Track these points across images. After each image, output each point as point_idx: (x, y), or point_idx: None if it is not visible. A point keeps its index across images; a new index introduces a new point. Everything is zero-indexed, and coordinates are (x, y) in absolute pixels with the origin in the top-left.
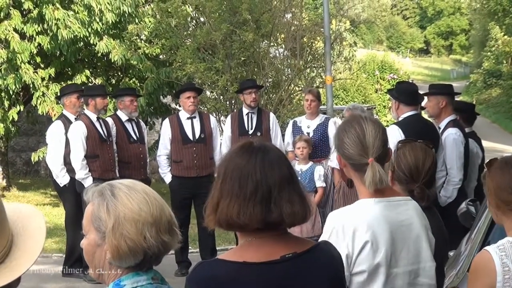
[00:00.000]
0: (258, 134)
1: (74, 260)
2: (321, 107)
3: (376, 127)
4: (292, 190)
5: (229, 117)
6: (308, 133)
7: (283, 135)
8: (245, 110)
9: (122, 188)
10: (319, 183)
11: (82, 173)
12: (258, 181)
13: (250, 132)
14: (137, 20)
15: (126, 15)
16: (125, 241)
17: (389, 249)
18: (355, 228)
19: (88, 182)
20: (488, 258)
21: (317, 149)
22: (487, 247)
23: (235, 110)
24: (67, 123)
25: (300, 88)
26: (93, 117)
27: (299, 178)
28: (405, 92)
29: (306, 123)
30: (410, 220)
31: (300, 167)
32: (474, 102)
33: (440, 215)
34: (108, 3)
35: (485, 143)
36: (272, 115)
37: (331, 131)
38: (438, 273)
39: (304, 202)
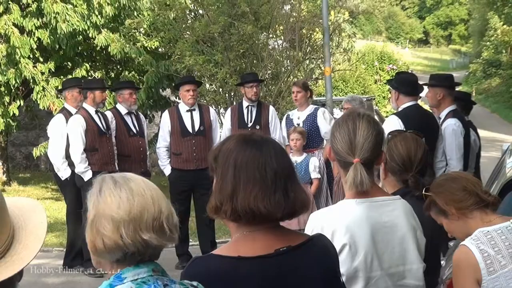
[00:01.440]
0: (257, 127)
1: (75, 254)
2: (320, 98)
3: (370, 128)
4: (297, 179)
5: (229, 109)
6: (299, 124)
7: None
8: (245, 103)
9: (110, 184)
10: (314, 175)
11: (82, 167)
12: (276, 169)
13: (250, 125)
14: (135, 13)
15: (126, 8)
16: (101, 237)
17: (369, 252)
18: (334, 230)
19: (87, 175)
20: (466, 251)
21: (308, 139)
22: (463, 242)
23: (234, 103)
24: (68, 116)
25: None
26: (91, 110)
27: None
28: (404, 83)
29: (297, 115)
30: (394, 221)
31: (294, 158)
32: (473, 92)
33: None
34: None
35: (485, 133)
36: (271, 108)
37: (320, 121)
38: (435, 266)
39: (306, 191)
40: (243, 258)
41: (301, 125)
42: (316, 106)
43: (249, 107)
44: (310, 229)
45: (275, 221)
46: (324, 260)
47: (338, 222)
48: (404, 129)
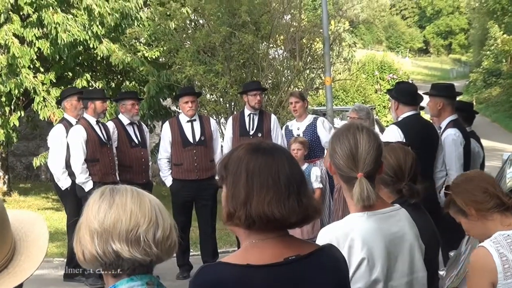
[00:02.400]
0: (259, 135)
1: (75, 264)
2: (320, 108)
3: (371, 141)
4: (308, 185)
5: (230, 118)
6: (299, 135)
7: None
8: (247, 111)
9: (97, 195)
10: (316, 184)
11: (83, 177)
12: (288, 175)
13: (251, 133)
14: (136, 23)
15: (127, 17)
16: (81, 248)
17: (385, 264)
18: (350, 245)
19: (88, 186)
20: (485, 252)
21: (310, 150)
22: (482, 243)
23: (235, 112)
24: (68, 126)
25: (300, 90)
26: (92, 120)
27: None
28: (404, 92)
29: (296, 125)
30: (402, 231)
31: None
32: (474, 101)
33: (440, 216)
34: (107, 6)
35: (485, 142)
36: (273, 116)
37: (321, 130)
38: (431, 274)
39: (316, 197)
40: (252, 266)
41: (301, 135)
42: (315, 115)
43: (251, 115)
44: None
45: (286, 228)
46: (334, 269)
47: (353, 237)
48: (404, 139)
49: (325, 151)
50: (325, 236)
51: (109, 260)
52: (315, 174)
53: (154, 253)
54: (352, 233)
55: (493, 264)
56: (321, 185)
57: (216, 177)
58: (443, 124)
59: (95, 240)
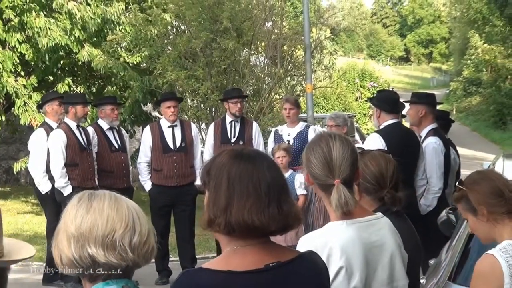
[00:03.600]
0: (240, 143)
1: (54, 268)
2: (301, 115)
3: (344, 147)
4: (290, 193)
5: (212, 124)
6: (289, 141)
7: (265, 144)
8: (228, 119)
9: (75, 200)
10: (300, 191)
11: (62, 182)
12: (269, 182)
13: (233, 140)
14: (118, 28)
15: (109, 22)
16: (59, 252)
17: (364, 273)
18: (329, 253)
19: (67, 190)
20: (494, 261)
21: (298, 156)
22: (490, 251)
23: (216, 118)
24: (49, 130)
25: (281, 97)
26: (73, 125)
27: None
28: (386, 100)
29: (287, 131)
30: (382, 240)
31: None
32: (454, 110)
33: (421, 224)
34: (89, 10)
35: (465, 151)
36: (255, 124)
37: (311, 138)
38: (413, 282)
39: (297, 205)
40: (233, 272)
41: (291, 141)
42: (307, 123)
43: (233, 122)
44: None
45: (267, 235)
46: (314, 276)
47: (332, 245)
48: (386, 147)
49: None
50: (305, 244)
51: (85, 264)
52: (299, 180)
53: (130, 258)
54: (331, 242)
55: (501, 273)
56: (305, 192)
57: (196, 183)
58: (423, 132)
59: (71, 244)
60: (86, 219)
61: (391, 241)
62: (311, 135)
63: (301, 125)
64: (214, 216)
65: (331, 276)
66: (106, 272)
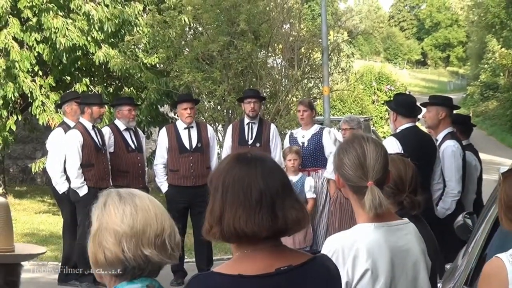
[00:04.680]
0: (258, 145)
1: (72, 265)
2: (318, 117)
3: (377, 149)
4: (292, 197)
5: (230, 126)
6: (303, 143)
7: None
8: (245, 120)
9: (115, 198)
10: (310, 194)
11: (78, 182)
12: (262, 189)
13: (250, 142)
14: (136, 29)
15: (126, 23)
16: (103, 250)
17: (389, 277)
18: (355, 255)
19: (83, 191)
20: (500, 265)
21: (313, 158)
22: (499, 254)
23: (233, 120)
24: (68, 130)
25: (298, 99)
26: (88, 125)
27: None
28: (403, 104)
29: (301, 133)
30: (408, 245)
31: (290, 178)
32: (471, 114)
33: (438, 228)
34: (107, 11)
35: (482, 156)
36: (273, 126)
37: (326, 140)
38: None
39: (303, 208)
40: (244, 276)
41: (305, 144)
42: (321, 125)
43: (250, 124)
44: (330, 253)
45: (274, 240)
46: (326, 280)
47: (359, 247)
48: (402, 151)
49: (328, 161)
50: (331, 245)
51: (137, 264)
52: (309, 184)
53: (176, 256)
54: (358, 243)
55: (505, 278)
56: (314, 195)
57: None
58: (440, 136)
59: (123, 243)
60: (138, 218)
61: (417, 247)
62: (325, 137)
63: (315, 128)
64: (210, 225)
65: (357, 278)
66: (151, 270)
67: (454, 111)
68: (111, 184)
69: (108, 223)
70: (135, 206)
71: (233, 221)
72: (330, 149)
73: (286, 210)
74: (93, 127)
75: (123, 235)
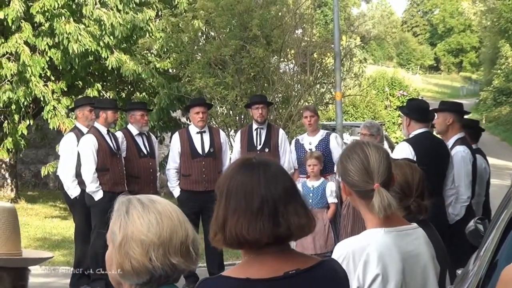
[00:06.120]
0: (266, 150)
1: (82, 273)
2: (330, 123)
3: (379, 152)
4: (297, 202)
5: (239, 131)
6: (311, 150)
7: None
8: (254, 125)
9: (137, 206)
10: (331, 199)
11: (93, 186)
12: (263, 195)
13: (259, 148)
14: (148, 35)
15: (138, 29)
16: (129, 260)
17: (399, 282)
18: (366, 260)
19: (98, 195)
20: None
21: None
22: None
23: (245, 125)
24: (79, 135)
25: (311, 104)
26: (103, 130)
27: (311, 195)
28: (416, 109)
29: (308, 140)
30: (417, 250)
31: (312, 183)
32: (483, 120)
33: (448, 233)
34: (119, 17)
35: (494, 161)
36: (281, 131)
37: (333, 145)
38: None
39: (309, 214)
40: (252, 280)
41: (313, 150)
42: (327, 131)
43: (258, 129)
44: (341, 258)
45: (277, 245)
46: (333, 283)
47: (369, 252)
48: (415, 156)
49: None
50: (342, 250)
51: (165, 272)
52: (330, 189)
53: (197, 261)
54: (369, 248)
55: None
56: (336, 200)
57: None
58: (450, 141)
59: (151, 253)
60: (164, 226)
61: (426, 252)
62: (332, 143)
63: (321, 133)
64: (214, 232)
65: (367, 283)
66: (175, 278)
67: (465, 116)
68: (126, 189)
69: (134, 233)
70: (159, 214)
71: (235, 228)
72: (338, 154)
73: (289, 216)
74: (108, 131)
75: (150, 244)
